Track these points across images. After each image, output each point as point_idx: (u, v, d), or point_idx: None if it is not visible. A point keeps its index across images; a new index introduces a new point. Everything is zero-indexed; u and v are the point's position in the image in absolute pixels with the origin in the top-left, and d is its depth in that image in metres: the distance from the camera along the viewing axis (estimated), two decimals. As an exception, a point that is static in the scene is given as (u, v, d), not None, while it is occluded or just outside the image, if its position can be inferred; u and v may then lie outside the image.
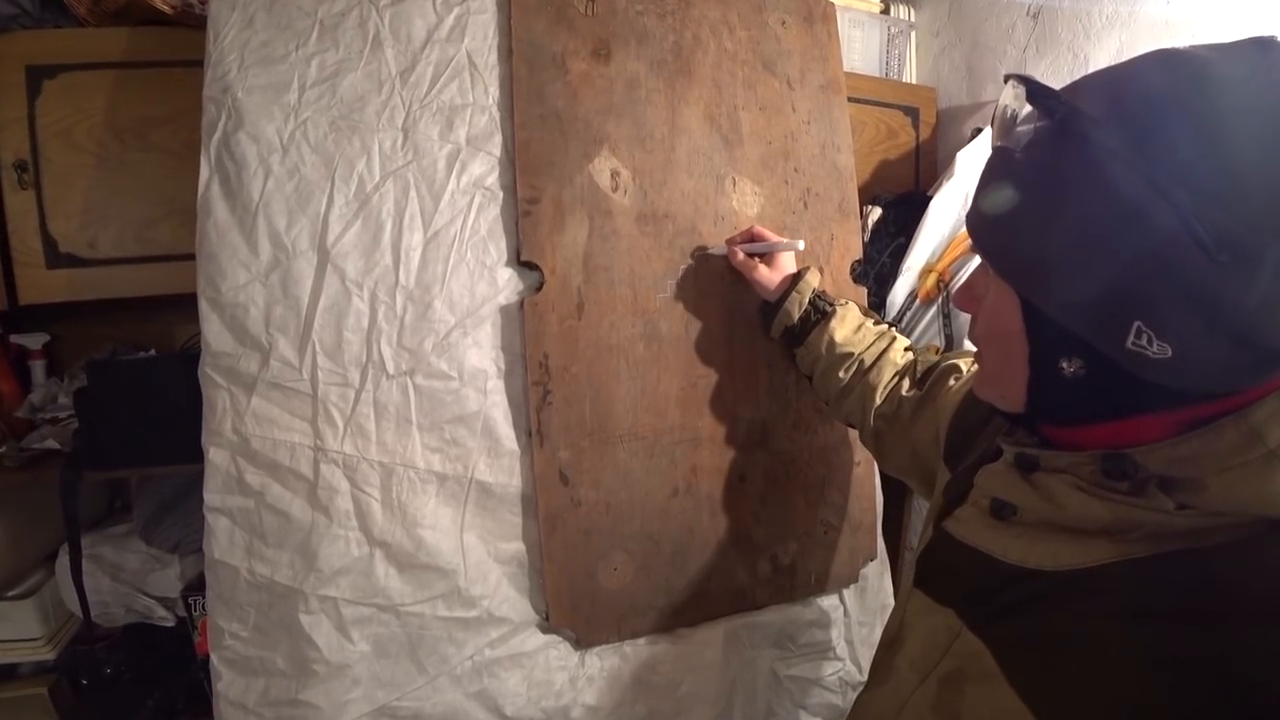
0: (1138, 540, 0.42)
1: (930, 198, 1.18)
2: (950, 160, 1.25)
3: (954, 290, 1.16)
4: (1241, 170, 0.36)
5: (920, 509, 1.50)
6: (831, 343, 0.85)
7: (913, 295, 1.20)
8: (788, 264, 0.90)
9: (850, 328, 0.85)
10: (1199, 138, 0.36)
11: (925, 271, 1.18)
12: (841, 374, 0.85)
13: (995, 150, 0.46)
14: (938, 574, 0.56)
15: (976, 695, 0.47)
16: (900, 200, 1.31)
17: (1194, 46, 0.39)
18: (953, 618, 0.51)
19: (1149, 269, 0.37)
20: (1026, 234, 0.43)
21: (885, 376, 0.82)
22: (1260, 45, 0.38)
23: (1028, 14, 1.29)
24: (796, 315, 0.87)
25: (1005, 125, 0.44)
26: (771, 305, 0.89)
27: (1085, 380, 0.43)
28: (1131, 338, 0.39)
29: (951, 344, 1.18)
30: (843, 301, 0.87)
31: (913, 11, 1.57)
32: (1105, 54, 1.15)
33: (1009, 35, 1.33)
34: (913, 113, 1.47)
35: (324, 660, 0.78)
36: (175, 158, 0.99)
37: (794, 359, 0.92)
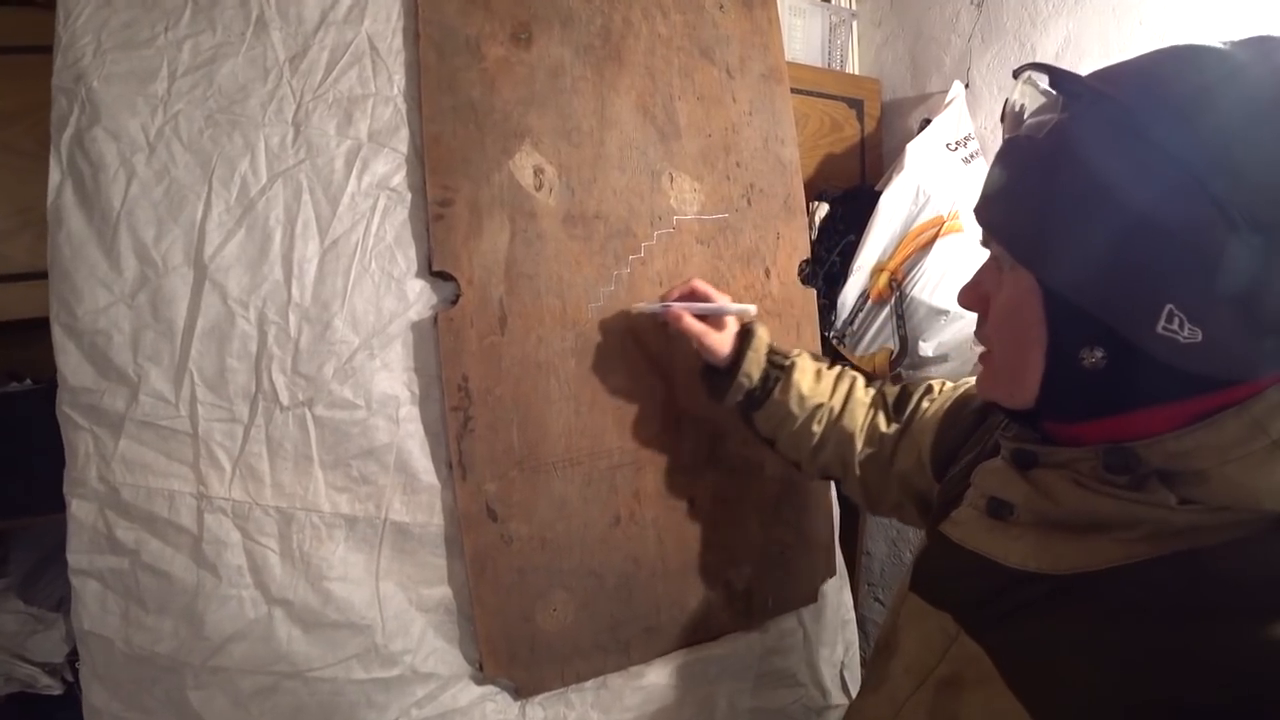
0: (1140, 540, 0.42)
1: (879, 193, 1.13)
2: (896, 154, 1.20)
3: (936, 291, 1.12)
4: (1273, 155, 0.36)
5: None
6: (800, 398, 0.77)
7: (864, 296, 1.15)
8: (732, 322, 0.80)
9: (811, 377, 0.78)
10: (1232, 124, 0.37)
11: (877, 270, 1.14)
12: (815, 427, 0.77)
13: (1008, 142, 0.46)
14: (935, 578, 0.55)
15: (975, 699, 0.47)
16: (848, 195, 1.26)
17: (1214, 42, 0.40)
18: (949, 621, 0.51)
19: (1183, 250, 0.38)
20: (1056, 222, 0.42)
21: (859, 419, 0.76)
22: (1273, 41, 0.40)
23: (972, 2, 1.25)
24: (758, 376, 0.78)
25: (1015, 117, 0.45)
26: (723, 372, 0.79)
27: (1103, 372, 0.43)
28: (1163, 322, 0.39)
29: (906, 345, 1.14)
30: (796, 350, 0.80)
31: (854, 0, 1.53)
32: (1053, 42, 1.12)
33: (953, 25, 1.30)
34: (857, 105, 1.42)
35: (219, 740, 0.69)
36: (31, 159, 0.87)
37: (750, 423, 0.82)
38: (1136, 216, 0.39)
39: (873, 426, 0.76)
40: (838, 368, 0.82)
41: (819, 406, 0.77)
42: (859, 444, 0.76)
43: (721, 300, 0.79)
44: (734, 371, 0.78)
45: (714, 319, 0.79)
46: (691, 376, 0.86)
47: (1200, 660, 0.38)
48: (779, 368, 0.78)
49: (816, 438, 0.77)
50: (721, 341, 0.78)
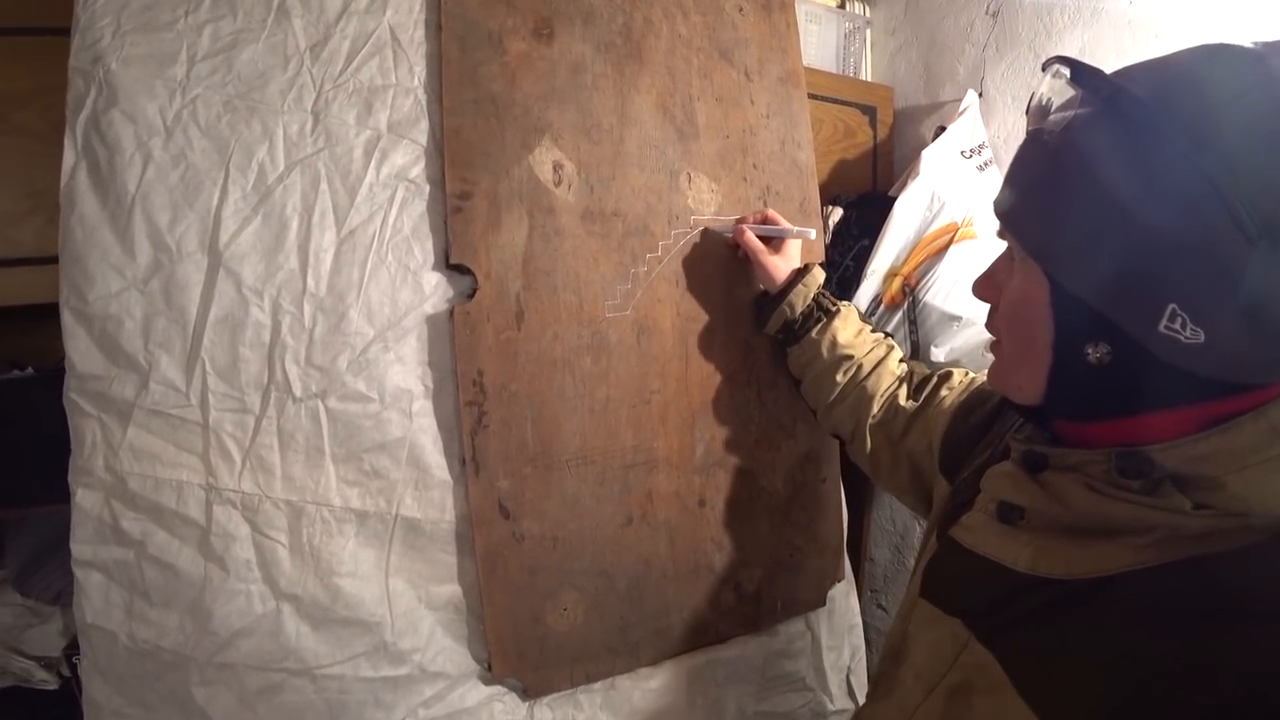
0: (1151, 546, 0.42)
1: (894, 198, 1.13)
2: (907, 161, 1.20)
3: (949, 297, 1.12)
4: None
5: (881, 522, 1.46)
6: (833, 343, 0.81)
7: (877, 300, 1.14)
8: (794, 257, 0.85)
9: (852, 330, 0.82)
10: (1244, 124, 0.37)
11: (890, 275, 1.13)
12: (839, 377, 0.81)
13: (1030, 135, 0.46)
14: (945, 583, 0.55)
15: (985, 707, 0.47)
16: (862, 201, 1.26)
17: (1242, 42, 0.40)
18: (960, 627, 0.50)
19: (1189, 250, 0.37)
20: (1063, 214, 0.42)
21: (883, 384, 0.79)
22: None
23: (987, 12, 1.26)
24: (800, 309, 0.82)
25: (1040, 111, 0.45)
26: (772, 297, 0.84)
27: (1109, 369, 0.43)
28: (1165, 321, 0.38)
29: (917, 351, 1.13)
30: (846, 303, 0.84)
31: (868, 8, 1.53)
32: (1067, 53, 1.12)
33: (968, 34, 1.30)
34: (870, 112, 1.42)
35: (223, 738, 0.67)
36: (43, 142, 0.86)
37: (785, 357, 0.88)
38: (1145, 216, 0.38)
39: (893, 397, 0.78)
40: (881, 333, 0.84)
41: (848, 358, 0.80)
42: (875, 408, 0.78)
43: (784, 225, 0.84)
44: (779, 300, 0.83)
45: (778, 248, 0.84)
46: (704, 378, 0.86)
47: (1211, 667, 0.37)
48: (825, 310, 0.82)
49: (838, 389, 0.80)
50: (777, 266, 0.83)
